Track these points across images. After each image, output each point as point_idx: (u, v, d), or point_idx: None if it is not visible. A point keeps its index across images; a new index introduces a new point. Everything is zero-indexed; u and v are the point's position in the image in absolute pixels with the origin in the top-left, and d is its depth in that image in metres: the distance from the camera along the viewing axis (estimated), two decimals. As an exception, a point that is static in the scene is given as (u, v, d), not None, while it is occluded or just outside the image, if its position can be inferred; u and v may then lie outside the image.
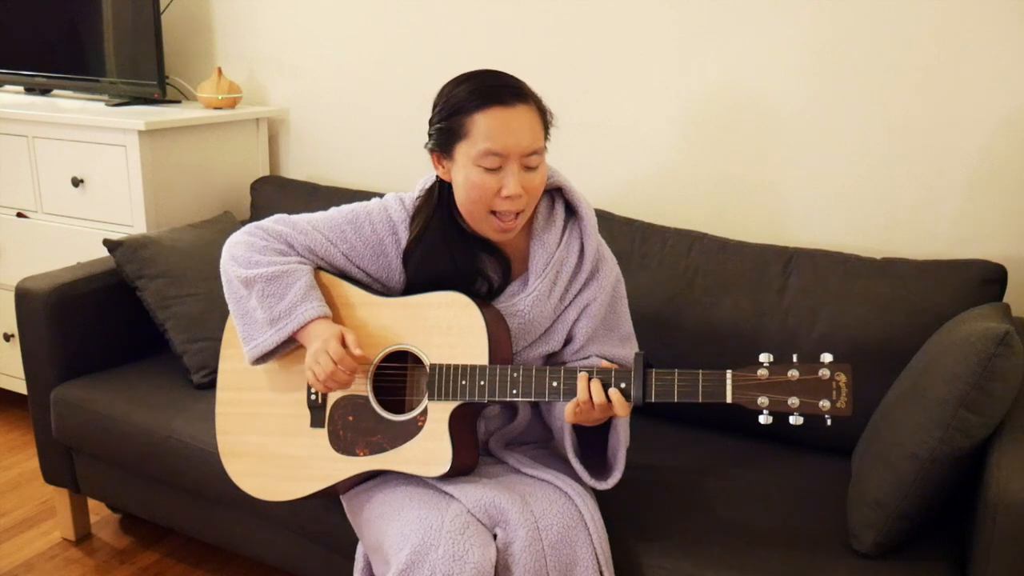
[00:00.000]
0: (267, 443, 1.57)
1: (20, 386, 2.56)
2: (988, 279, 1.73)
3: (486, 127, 1.39)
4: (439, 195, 1.51)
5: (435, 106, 1.47)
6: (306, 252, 1.54)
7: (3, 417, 2.81)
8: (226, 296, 1.55)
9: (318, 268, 1.55)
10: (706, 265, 1.93)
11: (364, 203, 1.58)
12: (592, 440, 1.50)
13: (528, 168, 1.42)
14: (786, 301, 1.85)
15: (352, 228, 1.55)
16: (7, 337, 2.61)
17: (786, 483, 1.68)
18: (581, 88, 2.22)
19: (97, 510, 2.30)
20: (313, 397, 1.54)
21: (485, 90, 1.41)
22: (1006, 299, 1.75)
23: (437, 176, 1.51)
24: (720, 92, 2.07)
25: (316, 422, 1.53)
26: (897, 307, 1.75)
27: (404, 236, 1.53)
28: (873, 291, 1.78)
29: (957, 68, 1.84)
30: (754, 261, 1.91)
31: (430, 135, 1.47)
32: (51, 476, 2.14)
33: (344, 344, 1.43)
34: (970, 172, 1.87)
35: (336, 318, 1.51)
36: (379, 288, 1.58)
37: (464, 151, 1.41)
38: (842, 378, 1.26)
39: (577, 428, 1.47)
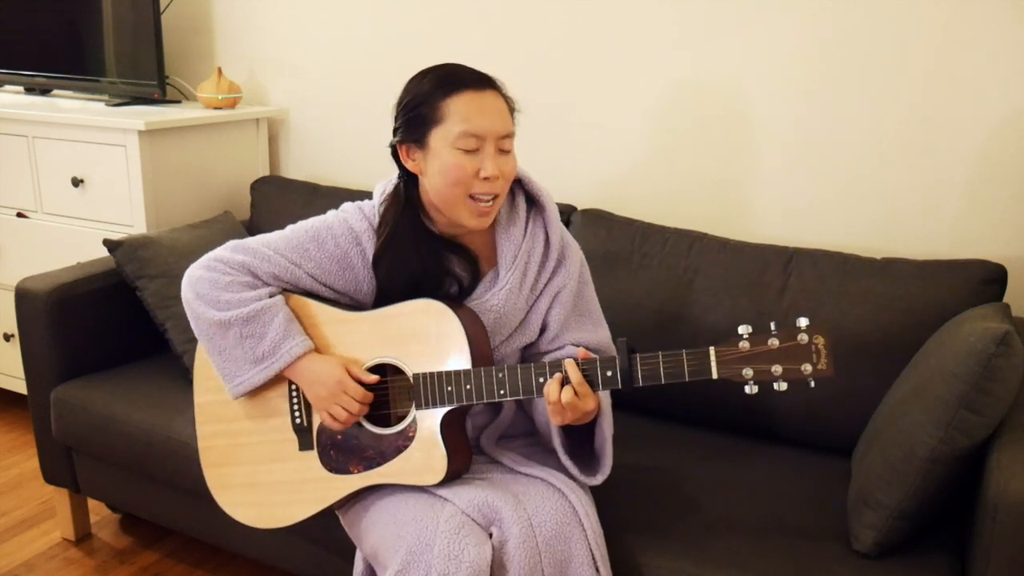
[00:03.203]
0: (257, 472, 1.56)
1: (20, 386, 2.57)
2: (988, 279, 1.73)
3: (463, 110, 1.41)
4: (405, 196, 1.51)
5: (400, 101, 1.49)
6: (271, 279, 1.51)
7: (3, 417, 2.81)
8: (196, 332, 1.52)
9: (284, 291, 1.53)
10: (706, 265, 1.93)
11: (322, 217, 1.56)
12: (582, 435, 1.50)
13: (502, 151, 1.44)
14: (786, 301, 1.85)
15: (315, 245, 1.52)
16: (7, 337, 2.61)
17: (786, 483, 1.68)
18: (581, 88, 2.22)
19: (97, 510, 2.30)
20: (298, 421, 1.52)
21: (453, 76, 1.44)
22: (1006, 299, 1.76)
23: (399, 176, 1.53)
24: (720, 92, 2.08)
25: (304, 445, 1.52)
26: (897, 307, 1.75)
27: (368, 245, 1.52)
28: (873, 291, 1.78)
29: (957, 68, 1.84)
30: (754, 261, 1.91)
31: (396, 130, 1.50)
32: (51, 476, 2.14)
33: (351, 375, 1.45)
34: (970, 172, 1.88)
35: (312, 339, 1.49)
36: (348, 303, 1.56)
37: (440, 136, 1.42)
38: (820, 340, 1.27)
39: (566, 426, 1.47)
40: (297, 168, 2.70)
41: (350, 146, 2.60)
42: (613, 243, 2.01)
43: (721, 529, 1.52)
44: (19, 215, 2.54)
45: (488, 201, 1.44)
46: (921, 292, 1.75)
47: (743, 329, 1.30)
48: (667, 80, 2.12)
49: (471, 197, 1.44)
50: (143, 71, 2.51)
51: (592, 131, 2.23)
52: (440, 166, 1.43)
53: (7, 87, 2.90)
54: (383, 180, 1.57)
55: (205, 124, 2.47)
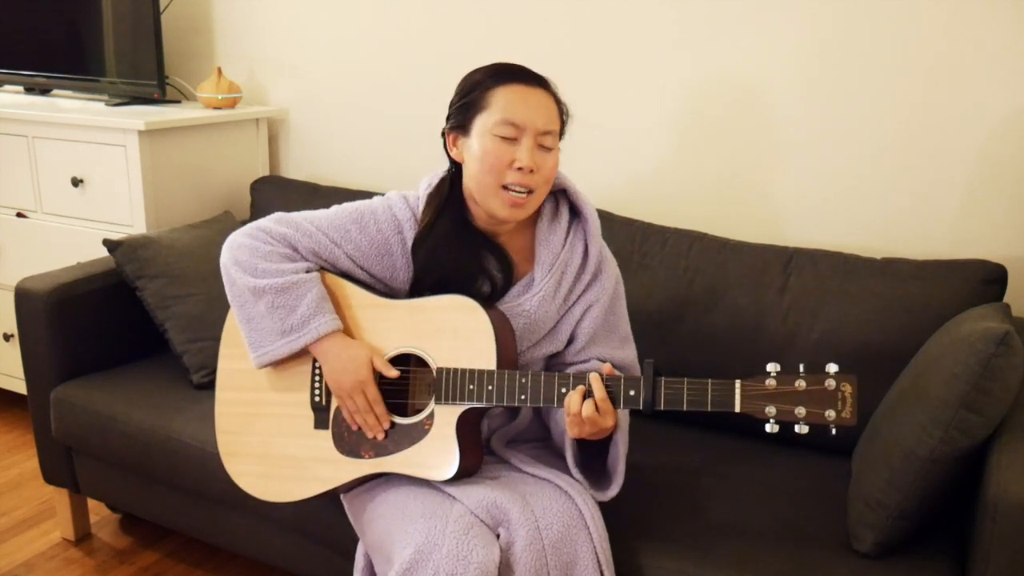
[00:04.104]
0: (269, 444, 1.57)
1: (20, 386, 2.56)
2: (988, 279, 1.73)
3: (505, 99, 1.43)
4: (451, 186, 1.53)
5: (456, 91, 1.51)
6: (310, 255, 1.53)
7: (3, 417, 2.81)
8: (229, 298, 1.54)
9: (321, 269, 1.55)
10: (706, 265, 1.93)
11: (367, 201, 1.58)
12: (595, 450, 1.50)
13: (542, 148, 1.44)
14: (786, 301, 1.85)
15: (357, 228, 1.54)
16: (7, 337, 2.61)
17: (786, 483, 1.68)
18: (580, 88, 2.21)
19: (97, 510, 2.30)
20: (317, 399, 1.53)
21: (506, 69, 1.47)
22: (1006, 299, 1.76)
23: (448, 169, 1.54)
24: (720, 92, 2.07)
25: (320, 424, 1.53)
26: (897, 307, 1.75)
27: (409, 235, 1.54)
28: (873, 291, 1.78)
29: (958, 68, 1.84)
30: (754, 261, 1.91)
31: (448, 117, 1.51)
32: (51, 476, 2.14)
33: (374, 367, 1.46)
34: (970, 172, 1.88)
35: (342, 320, 1.51)
36: (382, 289, 1.58)
37: (481, 122, 1.44)
38: (847, 388, 1.27)
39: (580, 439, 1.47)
40: (297, 168, 2.70)
41: (350, 146, 2.60)
42: (613, 243, 1.99)
43: (721, 529, 1.52)
44: (19, 215, 2.54)
45: (522, 193, 1.44)
46: (921, 292, 1.75)
47: (771, 367, 1.31)
48: (667, 80, 2.12)
49: (504, 188, 1.44)
50: (143, 71, 2.51)
51: (592, 132, 2.23)
52: (478, 152, 1.45)
53: (7, 87, 2.90)
54: (429, 174, 1.58)
55: (205, 124, 2.47)
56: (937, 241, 1.93)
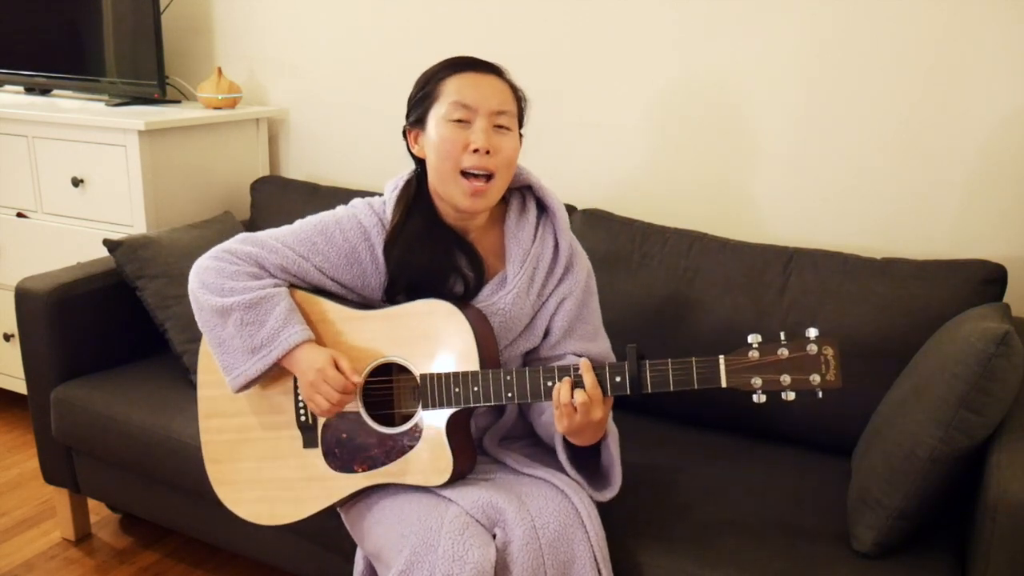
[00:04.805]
0: (260, 468, 1.55)
1: (20, 386, 2.57)
2: (988, 279, 1.73)
3: (456, 86, 1.44)
4: (417, 185, 1.53)
5: (413, 88, 1.52)
6: (278, 271, 1.51)
7: (3, 417, 2.81)
8: (199, 324, 1.51)
9: (292, 286, 1.52)
10: (706, 265, 1.93)
11: (331, 212, 1.56)
12: (585, 449, 1.50)
13: (499, 128, 1.44)
14: (786, 301, 1.85)
15: (323, 239, 1.52)
16: (7, 337, 2.61)
17: (786, 483, 1.68)
18: (581, 88, 2.22)
19: (97, 510, 2.30)
20: (303, 418, 1.52)
21: (458, 60, 1.49)
22: (1006, 299, 1.75)
23: (413, 169, 1.55)
24: (720, 92, 2.08)
25: (309, 443, 1.52)
26: (897, 307, 1.75)
27: (377, 241, 1.52)
28: (873, 291, 1.78)
29: (958, 68, 1.84)
30: (754, 261, 1.91)
31: (408, 115, 1.52)
32: (51, 476, 2.14)
33: (339, 369, 1.43)
34: (970, 172, 1.88)
35: (317, 336, 1.49)
36: (356, 299, 1.56)
37: (435, 113, 1.45)
38: (829, 351, 1.27)
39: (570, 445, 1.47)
40: (297, 168, 2.70)
41: (350, 146, 2.60)
42: (613, 243, 2.01)
43: (721, 529, 1.52)
44: (19, 215, 2.54)
45: (480, 179, 1.44)
46: (921, 292, 1.75)
47: (752, 338, 1.30)
48: (667, 80, 2.12)
49: (463, 174, 1.44)
50: (143, 71, 2.51)
51: (592, 131, 2.23)
52: (433, 142, 1.45)
53: (7, 87, 2.90)
54: (394, 177, 1.58)
55: (205, 124, 2.47)
56: (937, 241, 1.93)
